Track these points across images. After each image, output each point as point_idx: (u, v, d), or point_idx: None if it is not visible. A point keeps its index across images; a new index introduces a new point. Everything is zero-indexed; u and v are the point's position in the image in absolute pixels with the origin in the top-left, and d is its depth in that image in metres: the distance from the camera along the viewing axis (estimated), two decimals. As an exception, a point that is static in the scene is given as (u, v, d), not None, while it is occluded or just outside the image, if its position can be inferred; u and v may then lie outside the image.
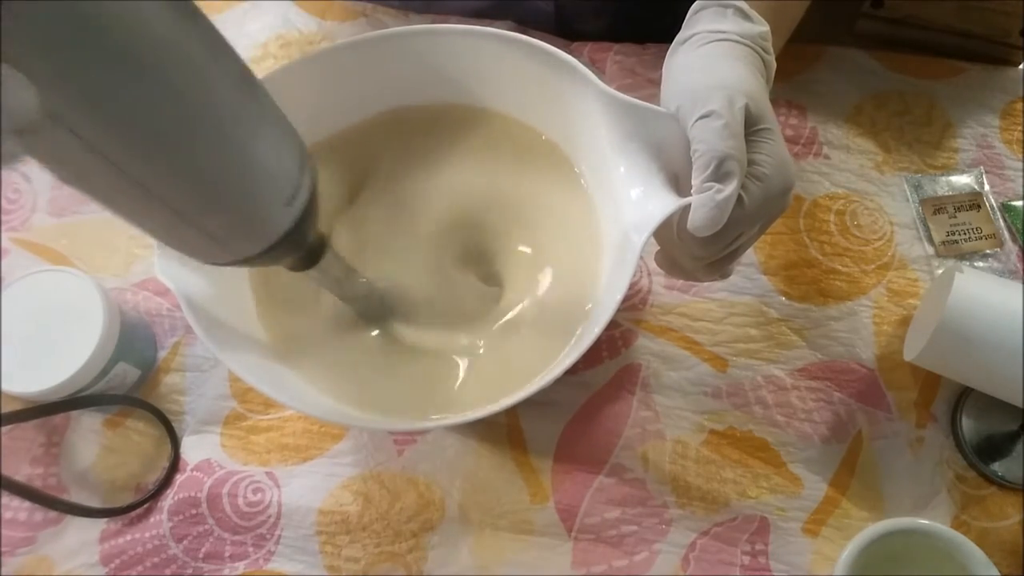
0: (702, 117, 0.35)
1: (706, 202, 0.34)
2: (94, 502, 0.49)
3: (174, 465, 0.50)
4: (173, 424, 0.51)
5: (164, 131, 0.25)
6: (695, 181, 0.35)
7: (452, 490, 0.49)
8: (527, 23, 0.62)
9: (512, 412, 0.50)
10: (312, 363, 0.44)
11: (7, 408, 0.44)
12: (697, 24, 0.40)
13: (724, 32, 0.39)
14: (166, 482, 0.49)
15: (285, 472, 0.50)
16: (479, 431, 0.50)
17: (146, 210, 0.27)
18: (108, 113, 0.23)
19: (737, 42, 0.39)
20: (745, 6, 0.40)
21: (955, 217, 0.55)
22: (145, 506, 0.49)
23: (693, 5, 0.41)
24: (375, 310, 0.45)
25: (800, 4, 0.46)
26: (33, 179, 0.59)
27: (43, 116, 0.21)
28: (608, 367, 0.51)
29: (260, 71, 0.32)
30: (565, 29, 0.62)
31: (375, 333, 0.45)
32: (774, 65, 0.41)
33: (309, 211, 0.32)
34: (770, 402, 0.51)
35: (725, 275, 0.41)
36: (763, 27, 0.40)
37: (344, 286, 0.41)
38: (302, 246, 0.34)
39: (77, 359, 0.46)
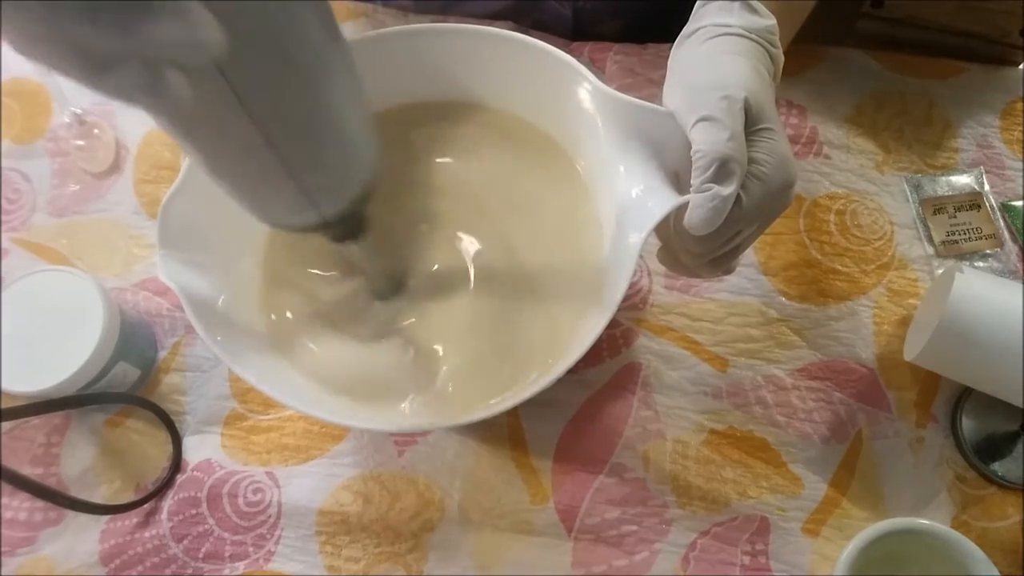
0: (702, 119, 0.34)
1: (704, 202, 0.34)
2: (94, 502, 0.48)
3: (175, 465, 0.50)
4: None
5: (303, 88, 0.28)
6: (694, 181, 0.34)
7: (452, 490, 0.49)
8: (545, 26, 0.61)
9: (512, 412, 0.50)
10: (314, 363, 0.44)
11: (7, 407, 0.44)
12: (703, 17, 0.40)
13: (730, 26, 0.38)
14: (167, 482, 0.49)
15: (285, 472, 0.50)
16: (479, 431, 0.50)
17: (257, 163, 0.30)
18: (263, 64, 0.26)
19: (743, 36, 0.38)
20: None
21: (955, 217, 0.55)
22: (145, 506, 0.49)
23: None
24: (391, 286, 0.46)
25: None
26: (33, 179, 0.59)
27: (213, 58, 0.23)
28: (608, 366, 0.51)
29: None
30: (582, 32, 0.62)
31: (378, 336, 0.45)
32: (782, 59, 0.40)
33: (380, 175, 0.35)
34: (770, 402, 0.51)
35: (727, 272, 0.41)
36: (770, 21, 0.39)
37: (375, 262, 0.42)
38: (363, 212, 0.37)
39: (77, 359, 0.46)
